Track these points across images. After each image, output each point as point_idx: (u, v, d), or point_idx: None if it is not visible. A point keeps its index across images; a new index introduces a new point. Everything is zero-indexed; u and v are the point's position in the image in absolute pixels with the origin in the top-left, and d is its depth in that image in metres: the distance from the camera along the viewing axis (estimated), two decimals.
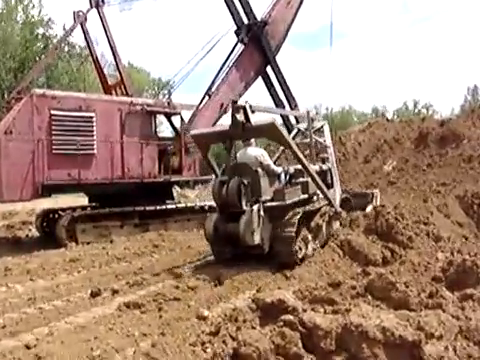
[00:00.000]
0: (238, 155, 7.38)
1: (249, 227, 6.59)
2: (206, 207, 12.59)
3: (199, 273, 6.38)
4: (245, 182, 6.90)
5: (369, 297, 4.37)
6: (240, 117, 6.89)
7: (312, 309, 4.03)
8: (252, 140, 7.76)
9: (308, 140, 9.23)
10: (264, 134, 7.20)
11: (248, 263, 6.72)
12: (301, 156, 7.20)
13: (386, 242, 7.20)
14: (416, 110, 57.62)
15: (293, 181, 7.92)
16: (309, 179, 7.62)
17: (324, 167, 9.19)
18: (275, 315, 3.86)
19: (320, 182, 7.60)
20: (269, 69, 14.68)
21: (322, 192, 7.80)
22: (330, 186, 8.80)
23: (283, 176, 7.92)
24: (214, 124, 13.82)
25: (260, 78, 14.67)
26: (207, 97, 13.14)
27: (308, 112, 9.43)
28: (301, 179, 7.92)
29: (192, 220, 12.17)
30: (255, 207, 6.76)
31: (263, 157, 7.51)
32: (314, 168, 8.14)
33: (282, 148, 9.50)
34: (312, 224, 7.38)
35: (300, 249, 6.79)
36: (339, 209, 8.33)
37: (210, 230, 6.92)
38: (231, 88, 13.37)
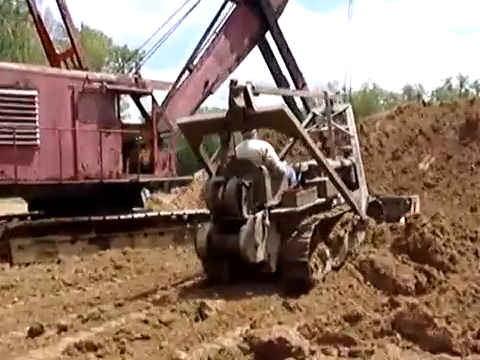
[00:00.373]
0: (237, 149, 7.53)
1: (251, 240, 6.76)
2: (185, 216, 12.61)
3: (176, 302, 6.36)
4: (246, 183, 7.08)
5: (398, 336, 4.38)
6: (240, 101, 7.01)
7: (323, 351, 4.04)
8: (254, 131, 7.94)
9: (326, 128, 9.44)
10: (270, 123, 7.43)
11: (249, 286, 6.84)
12: (317, 150, 7.38)
13: (421, 263, 7.23)
14: (462, 90, 58.06)
15: (307, 181, 8.13)
16: (327, 178, 7.83)
17: (347, 162, 9.37)
18: (274, 359, 3.86)
19: (341, 182, 7.76)
20: (269, 36, 14.73)
21: (343, 195, 7.99)
22: (354, 187, 8.95)
23: (294, 175, 8.15)
24: (197, 108, 13.84)
25: (257, 48, 14.71)
26: (187, 72, 13.18)
27: (326, 93, 9.58)
28: (317, 178, 8.15)
29: (167, 234, 12.22)
30: (259, 214, 6.93)
31: (268, 152, 7.68)
32: (334, 164, 8.25)
33: (286, 149, 10.01)
34: (331, 236, 7.53)
35: (316, 267, 6.90)
36: (365, 216, 8.48)
37: (202, 244, 7.06)
38: (219, 61, 13.40)
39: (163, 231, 12.24)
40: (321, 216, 7.40)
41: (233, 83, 7.06)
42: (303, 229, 7.00)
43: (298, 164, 8.53)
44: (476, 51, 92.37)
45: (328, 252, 7.27)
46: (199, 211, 13.20)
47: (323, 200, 7.94)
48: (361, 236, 8.27)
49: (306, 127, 9.61)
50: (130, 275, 8.82)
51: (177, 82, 13.05)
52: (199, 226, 7.42)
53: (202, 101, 13.75)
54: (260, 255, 6.82)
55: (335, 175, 7.66)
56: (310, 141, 7.23)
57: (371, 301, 6.43)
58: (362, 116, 27.91)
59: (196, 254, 7.38)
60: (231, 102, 7.00)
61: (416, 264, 7.23)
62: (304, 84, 15.00)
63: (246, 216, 6.95)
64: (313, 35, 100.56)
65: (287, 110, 7.00)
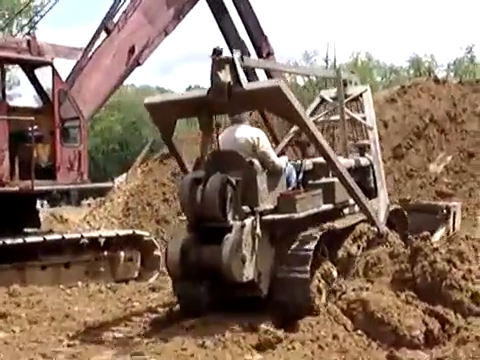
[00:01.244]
0: (221, 138, 7.99)
1: (238, 253, 7.09)
2: (102, 240, 12.50)
3: None
4: (233, 181, 7.40)
5: None
6: (225, 76, 7.34)
7: None
8: (244, 114, 8.39)
9: (338, 117, 10.15)
10: (263, 103, 7.97)
11: (217, 327, 7.15)
12: (323, 141, 7.78)
13: (432, 304, 7.33)
14: None
15: (310, 183, 8.69)
16: (336, 179, 8.35)
17: (363, 161, 10.01)
18: None
19: (354, 184, 8.22)
20: None
21: (357, 201, 8.48)
22: (372, 193, 9.59)
23: (294, 174, 8.65)
24: (119, 84, 13.75)
25: (204, 2, 14.71)
26: (104, 34, 13.06)
27: (338, 71, 10.32)
28: (324, 179, 8.75)
29: (74, 265, 12.18)
30: (248, 221, 7.27)
31: (260, 141, 8.05)
32: (346, 163, 8.87)
33: (290, 135, 10.59)
34: (340, 253, 8.06)
35: (319, 292, 7.33)
36: (384, 228, 8.92)
37: (175, 258, 7.41)
38: (149, 18, 13.35)
39: (69, 261, 12.17)
40: (327, 226, 7.81)
41: (216, 52, 7.36)
42: (304, 240, 7.47)
43: (300, 161, 9.01)
44: None
45: (335, 273, 7.65)
46: (123, 232, 13.11)
47: (330, 206, 8.39)
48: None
49: (312, 115, 10.19)
50: (20, 326, 8.63)
51: (89, 48, 12.93)
52: (170, 238, 8.13)
53: (126, 75, 13.67)
54: (248, 273, 7.17)
55: (347, 175, 8.09)
56: (313, 128, 7.65)
57: (364, 357, 6.49)
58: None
59: (167, 270, 7.92)
60: (213, 77, 7.34)
61: (425, 305, 7.32)
62: (270, 53, 15.08)
63: (232, 222, 7.26)
64: None
65: (285, 87, 7.28)
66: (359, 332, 7.03)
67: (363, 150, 10.38)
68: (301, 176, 8.71)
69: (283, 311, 7.18)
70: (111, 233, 13.25)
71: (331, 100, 10.62)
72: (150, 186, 21.27)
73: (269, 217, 7.55)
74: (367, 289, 7.60)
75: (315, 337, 6.79)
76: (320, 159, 8.47)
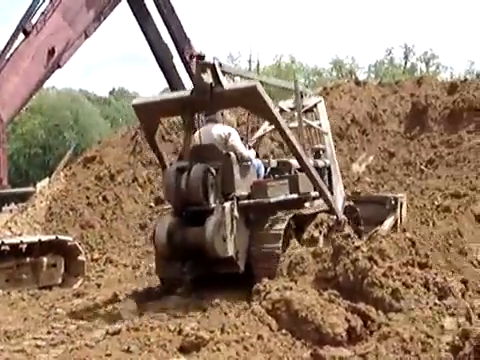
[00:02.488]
0: (197, 135, 9.31)
1: (220, 232, 8.36)
2: (23, 246, 12.26)
3: None
4: (212, 170, 8.68)
5: None
6: (207, 78, 8.66)
7: None
8: (218, 114, 9.64)
9: (296, 124, 11.11)
10: (241, 102, 9.22)
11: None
12: (292, 137, 9.12)
13: (354, 301, 7.42)
14: (408, 64, 60.72)
15: (274, 176, 9.96)
16: (300, 174, 9.74)
17: (320, 163, 11.12)
18: None
19: (318, 177, 9.62)
20: None
21: (320, 191, 9.79)
22: (329, 190, 10.54)
23: (263, 169, 9.95)
24: (38, 87, 13.53)
25: (125, 3, 14.61)
26: (22, 35, 12.83)
27: (296, 82, 11.47)
28: (287, 174, 10.05)
29: None
30: (227, 205, 8.57)
31: (231, 136, 9.34)
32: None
33: (259, 134, 12.16)
34: (305, 236, 9.34)
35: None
36: (342, 216, 10.19)
37: (162, 239, 8.57)
38: (69, 19, 13.18)
39: None
40: (295, 211, 9.26)
41: (200, 57, 8.78)
42: (276, 221, 8.87)
43: (267, 160, 10.42)
44: (425, 13, 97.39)
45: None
46: (45, 238, 12.90)
47: (295, 196, 9.66)
48: None
49: None
50: None
51: (7, 49, 12.68)
52: (158, 219, 9.28)
53: (46, 78, 13.46)
54: (229, 250, 8.42)
55: (312, 168, 9.54)
56: (284, 125, 9.08)
57: (288, 356, 6.53)
58: (275, 99, 28.47)
59: (156, 252, 9.13)
60: (198, 79, 8.71)
61: (348, 302, 7.39)
62: (193, 55, 15.06)
63: (213, 205, 8.55)
64: None
65: (261, 88, 8.59)
66: (283, 331, 7.06)
67: (318, 154, 11.59)
68: (268, 171, 10.03)
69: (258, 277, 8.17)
70: (33, 239, 12.99)
71: (289, 110, 11.85)
72: (74, 190, 20.93)
73: (245, 202, 8.82)
74: (291, 288, 7.63)
75: (240, 338, 6.79)
76: (283, 159, 10.35)
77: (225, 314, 7.57)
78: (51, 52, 13.06)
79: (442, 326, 6.77)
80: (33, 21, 12.93)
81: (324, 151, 11.63)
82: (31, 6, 13.01)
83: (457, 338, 5.92)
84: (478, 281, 9.53)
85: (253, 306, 7.46)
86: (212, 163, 8.72)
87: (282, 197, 9.29)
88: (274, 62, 57.70)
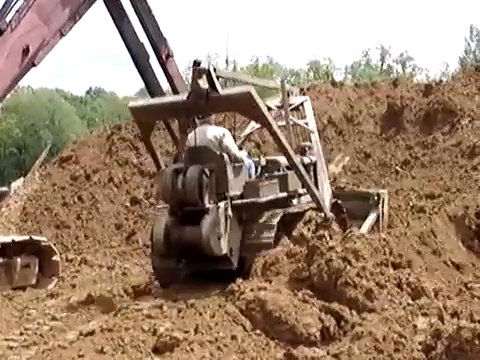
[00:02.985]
0: (191, 136, 9.73)
1: (214, 231, 8.83)
2: None
3: None
4: (207, 171, 9.10)
5: None
6: (203, 83, 9.13)
7: None
8: (212, 116, 10.14)
9: (283, 122, 11.39)
10: (236, 107, 9.76)
11: None
12: (284, 140, 9.71)
13: (328, 302, 7.46)
14: (384, 66, 61.01)
15: (267, 175, 10.34)
16: (289, 173, 10.25)
17: (306, 160, 11.35)
18: None
19: (306, 176, 10.16)
20: None
21: (309, 190, 10.29)
22: (314, 186, 10.88)
23: (253, 169, 10.36)
24: (12, 86, 13.41)
25: (101, 2, 14.51)
26: None
27: (283, 82, 12.44)
28: (276, 173, 10.49)
29: None
30: (221, 204, 9.05)
31: (225, 137, 9.78)
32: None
33: (248, 131, 12.60)
34: (294, 233, 9.85)
35: None
36: (330, 214, 10.65)
37: (160, 237, 9.05)
38: (44, 17, 13.04)
39: None
40: (285, 210, 9.79)
41: (196, 64, 9.20)
42: (269, 217, 9.45)
43: (257, 158, 10.84)
44: (402, 14, 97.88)
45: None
46: (19, 238, 12.80)
47: (285, 194, 10.19)
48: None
49: None
50: None
51: None
52: (156, 218, 9.69)
53: (21, 77, 13.30)
54: (223, 248, 8.92)
55: (301, 168, 10.02)
56: (276, 128, 9.59)
57: (262, 357, 6.54)
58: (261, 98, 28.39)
59: (152, 250, 9.68)
60: (194, 84, 9.14)
61: (322, 303, 7.43)
62: (170, 55, 15.01)
63: (208, 205, 8.97)
64: None
65: (254, 93, 9.08)
66: (257, 332, 7.09)
67: (304, 151, 11.77)
68: (259, 170, 10.43)
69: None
70: (7, 239, 12.87)
71: (276, 108, 11.97)
72: (49, 190, 20.78)
73: (238, 201, 9.32)
74: (265, 289, 7.65)
75: (214, 338, 6.81)
76: (271, 158, 10.91)
77: (200, 314, 7.55)
78: (26, 51, 12.91)
79: (415, 326, 6.82)
80: (7, 19, 12.78)
81: (310, 148, 11.93)
82: (5, 4, 12.86)
83: (429, 338, 5.98)
84: (451, 281, 9.63)
85: (227, 306, 7.48)
86: (207, 164, 9.14)
87: (273, 196, 9.80)
88: (251, 63, 57.74)
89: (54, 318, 8.66)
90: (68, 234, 18.64)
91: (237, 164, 9.74)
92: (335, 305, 7.33)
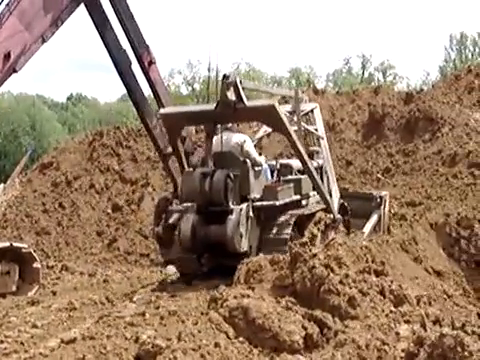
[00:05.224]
0: (216, 142, 10.74)
1: (237, 230, 9.82)
2: None
3: None
4: (232, 175, 10.12)
5: None
6: (231, 95, 10.00)
7: None
8: (234, 124, 11.26)
9: (295, 127, 12.11)
10: (260, 118, 11.00)
11: None
12: (302, 149, 10.72)
13: (311, 309, 7.45)
14: (366, 74, 61.40)
15: (282, 179, 11.35)
16: (303, 177, 11.34)
17: (315, 164, 12.11)
18: None
19: (319, 180, 11.26)
20: None
21: (321, 194, 11.48)
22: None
23: (269, 172, 11.34)
24: None
25: (83, 8, 14.46)
26: None
27: (297, 91, 13.05)
28: (289, 176, 11.58)
29: None
30: (244, 206, 10.10)
31: (245, 143, 10.90)
32: (297, 166, 11.59)
33: (259, 136, 13.93)
34: (306, 233, 10.74)
35: None
36: (338, 216, 11.88)
37: (187, 234, 9.94)
38: (25, 23, 12.99)
39: None
40: (299, 212, 10.85)
41: (225, 77, 9.98)
42: (283, 224, 10.38)
43: (273, 162, 11.78)
44: (383, 23, 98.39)
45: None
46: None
47: (298, 197, 11.20)
48: (331, 235, 11.27)
49: None
50: None
51: None
52: (183, 216, 10.32)
53: (1, 82, 13.20)
54: (244, 245, 9.93)
55: (315, 174, 11.14)
56: (296, 139, 10.54)
57: None
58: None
59: (179, 245, 10.24)
60: (223, 96, 9.95)
61: (305, 310, 7.42)
62: (152, 62, 14.99)
63: (232, 207, 9.95)
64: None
65: (278, 106, 10.07)
66: (241, 339, 7.05)
67: (312, 155, 12.52)
68: (276, 174, 11.34)
69: None
70: None
71: (288, 114, 12.58)
72: (29, 197, 20.70)
73: (258, 203, 10.34)
74: (248, 296, 7.62)
75: (197, 346, 6.76)
76: (284, 161, 12.07)
77: (182, 322, 7.52)
78: (7, 56, 12.82)
79: (397, 333, 6.83)
80: None
81: (317, 152, 12.78)
82: None
83: (412, 345, 5.98)
84: (433, 288, 9.68)
85: (210, 314, 7.44)
86: (231, 169, 10.21)
87: (288, 199, 10.81)
88: (233, 69, 57.89)
89: (35, 325, 8.57)
90: (49, 241, 18.57)
91: (257, 168, 10.80)
92: (318, 312, 7.32)
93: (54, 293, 11.97)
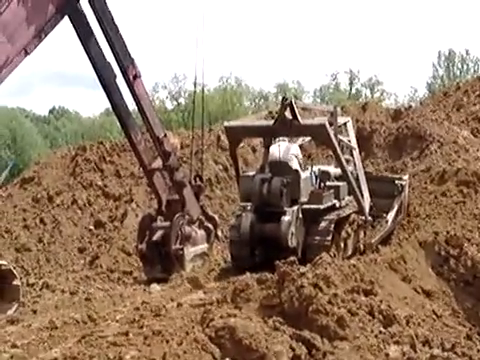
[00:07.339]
0: (273, 152, 12.89)
1: (289, 228, 11.93)
2: None
3: None
4: (285, 181, 12.14)
5: None
6: (288, 114, 12.09)
7: None
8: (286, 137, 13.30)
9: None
10: (311, 134, 13.41)
11: None
12: (344, 162, 12.84)
13: (299, 329, 7.43)
14: (353, 90, 61.67)
15: (323, 185, 13.33)
16: (341, 184, 13.33)
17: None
18: None
19: (357, 189, 13.14)
20: (86, 7, 14.56)
21: (357, 198, 13.31)
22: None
23: (313, 178, 13.30)
24: None
25: (67, 20, 14.43)
26: None
27: (335, 107, 14.74)
28: (328, 182, 13.43)
29: None
30: (295, 208, 12.23)
31: (300, 155, 13.28)
32: (334, 172, 13.88)
33: (299, 143, 14.93)
34: (343, 233, 13.00)
35: (334, 257, 11.24)
36: (369, 218, 13.76)
37: (246, 230, 12.09)
38: (7, 35, 12.92)
39: None
40: (338, 215, 12.80)
41: (284, 99, 12.26)
42: (326, 226, 12.39)
43: (316, 169, 13.60)
44: (371, 39, 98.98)
45: (342, 244, 12.88)
46: None
47: (337, 201, 13.13)
48: (361, 234, 13.82)
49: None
50: None
51: None
52: (242, 214, 12.38)
53: None
54: (293, 242, 12.04)
55: (354, 182, 13.12)
56: (340, 153, 12.73)
57: None
58: (220, 122, 28.42)
59: (235, 240, 12.40)
60: (281, 114, 12.20)
61: (293, 330, 7.40)
62: (137, 76, 14.98)
63: (285, 208, 12.06)
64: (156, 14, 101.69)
65: (328, 125, 12.22)
66: None
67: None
68: (318, 180, 13.34)
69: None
70: None
71: None
72: (9, 212, 20.51)
73: (306, 206, 12.47)
74: (235, 315, 7.61)
75: None
76: (323, 168, 13.96)
77: (167, 342, 7.45)
78: None
79: (387, 354, 6.84)
80: None
81: (348, 161, 14.04)
82: None
83: None
84: (422, 308, 9.67)
85: (196, 334, 7.39)
86: (285, 176, 12.29)
87: (330, 203, 12.81)
88: (220, 84, 57.99)
89: (14, 345, 8.49)
90: (29, 257, 18.39)
91: (305, 175, 12.85)
92: (306, 333, 7.32)
93: (34, 311, 11.86)
